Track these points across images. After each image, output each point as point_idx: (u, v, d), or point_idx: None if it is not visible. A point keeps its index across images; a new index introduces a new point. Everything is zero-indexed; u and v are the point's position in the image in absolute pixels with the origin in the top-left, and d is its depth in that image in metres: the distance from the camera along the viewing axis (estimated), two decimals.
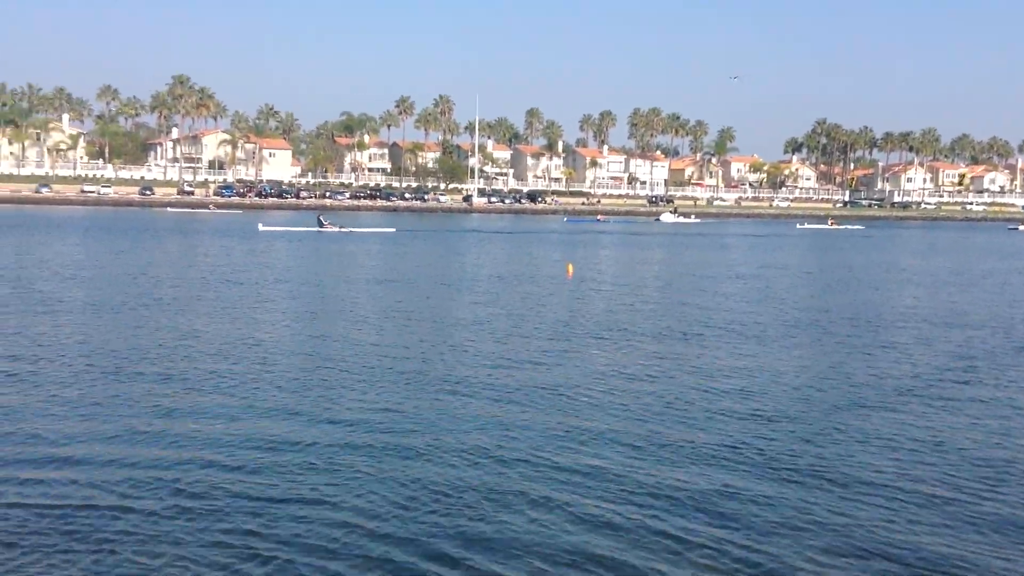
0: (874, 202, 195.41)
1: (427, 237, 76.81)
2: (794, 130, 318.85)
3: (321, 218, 77.90)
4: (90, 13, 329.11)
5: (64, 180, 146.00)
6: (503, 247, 66.03)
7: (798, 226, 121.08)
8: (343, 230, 76.11)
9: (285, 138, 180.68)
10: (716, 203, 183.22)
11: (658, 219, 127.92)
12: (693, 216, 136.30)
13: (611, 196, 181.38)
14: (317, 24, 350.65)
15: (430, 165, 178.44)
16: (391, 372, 18.72)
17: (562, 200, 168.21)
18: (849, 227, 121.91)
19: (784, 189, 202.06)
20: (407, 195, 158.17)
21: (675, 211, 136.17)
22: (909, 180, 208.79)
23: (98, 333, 22.67)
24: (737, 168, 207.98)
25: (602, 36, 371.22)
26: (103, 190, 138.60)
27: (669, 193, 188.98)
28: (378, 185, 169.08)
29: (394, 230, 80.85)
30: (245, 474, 11.93)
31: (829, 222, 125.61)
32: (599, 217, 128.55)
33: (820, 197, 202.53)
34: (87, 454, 12.64)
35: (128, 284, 34.19)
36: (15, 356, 19.41)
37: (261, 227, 76.03)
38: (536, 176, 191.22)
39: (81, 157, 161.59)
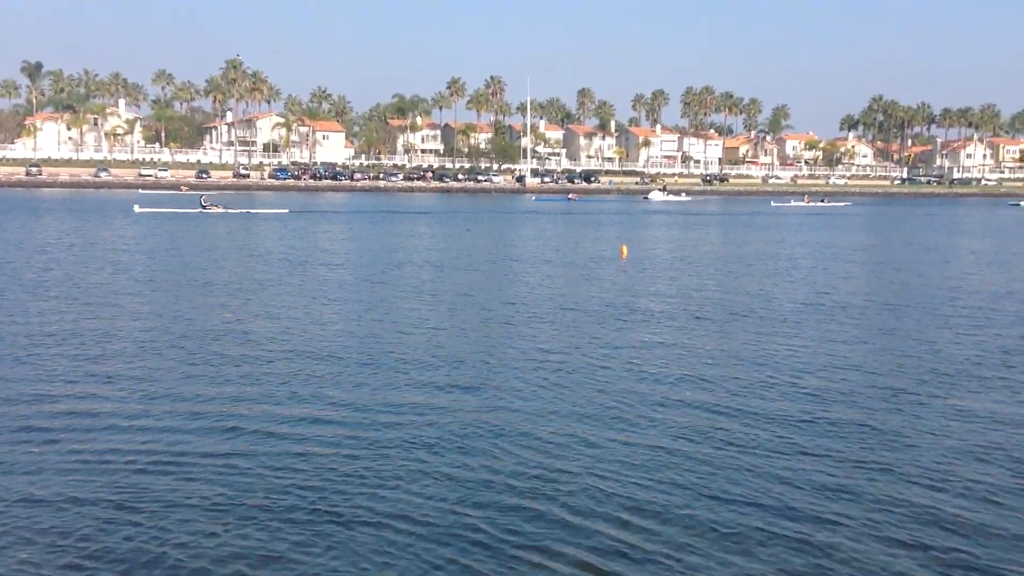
0: (933, 179, 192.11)
1: (484, 219, 76.60)
2: (850, 107, 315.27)
3: (203, 199, 74.08)
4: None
5: (122, 164, 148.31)
6: (556, 227, 65.51)
7: (772, 203, 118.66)
8: (228, 210, 71.83)
9: (338, 121, 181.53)
10: (771, 181, 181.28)
11: (646, 197, 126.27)
12: (683, 194, 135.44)
13: (664, 175, 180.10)
14: (368, 6, 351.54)
15: (482, 146, 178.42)
16: (447, 357, 18.65)
17: (616, 179, 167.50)
18: (831, 204, 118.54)
19: (841, 167, 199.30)
20: (460, 176, 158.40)
21: (664, 189, 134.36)
22: (969, 156, 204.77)
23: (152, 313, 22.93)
24: (792, 146, 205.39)
25: (653, 14, 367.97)
26: (160, 173, 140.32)
27: (724, 171, 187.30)
28: (431, 166, 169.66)
29: (287, 211, 76.05)
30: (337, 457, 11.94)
31: (805, 199, 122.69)
32: (570, 196, 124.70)
33: (877, 174, 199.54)
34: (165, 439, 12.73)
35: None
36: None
37: (137, 208, 70.59)
38: (589, 156, 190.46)
39: (138, 141, 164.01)
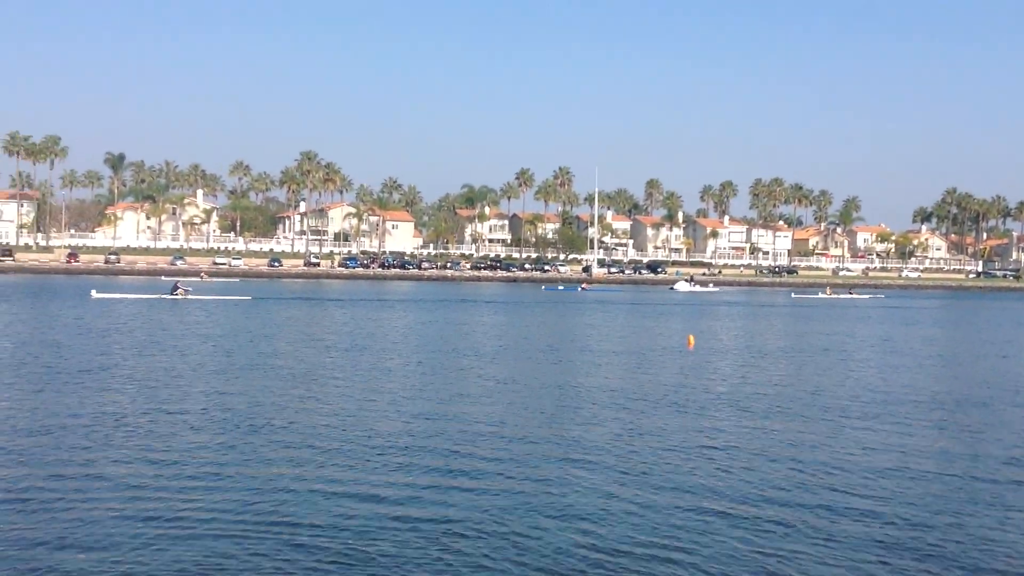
0: (1009, 273, 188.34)
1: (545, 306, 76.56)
2: (923, 199, 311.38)
3: (178, 282, 73.13)
4: (224, 92, 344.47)
5: (197, 252, 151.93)
6: (617, 317, 65.03)
7: (793, 295, 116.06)
8: (189, 296, 71.15)
9: (408, 210, 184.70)
10: (842, 273, 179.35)
11: (672, 288, 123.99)
12: (712, 285, 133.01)
13: (731, 267, 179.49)
14: (439, 98, 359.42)
15: (550, 236, 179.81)
16: (512, 442, 18.52)
17: (683, 270, 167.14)
18: (857, 296, 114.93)
19: (913, 259, 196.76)
20: (527, 266, 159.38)
21: (691, 280, 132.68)
22: None
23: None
24: (863, 238, 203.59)
25: (722, 106, 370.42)
26: (234, 262, 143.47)
27: (793, 263, 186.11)
28: (498, 256, 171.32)
29: (250, 297, 74.74)
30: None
31: (827, 290, 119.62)
32: (583, 286, 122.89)
33: (952, 268, 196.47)
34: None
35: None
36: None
37: (94, 294, 70.19)
38: (656, 247, 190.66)
39: (214, 230, 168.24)
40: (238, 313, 57.56)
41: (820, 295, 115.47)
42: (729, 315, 70.66)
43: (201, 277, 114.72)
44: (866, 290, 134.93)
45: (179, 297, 70.60)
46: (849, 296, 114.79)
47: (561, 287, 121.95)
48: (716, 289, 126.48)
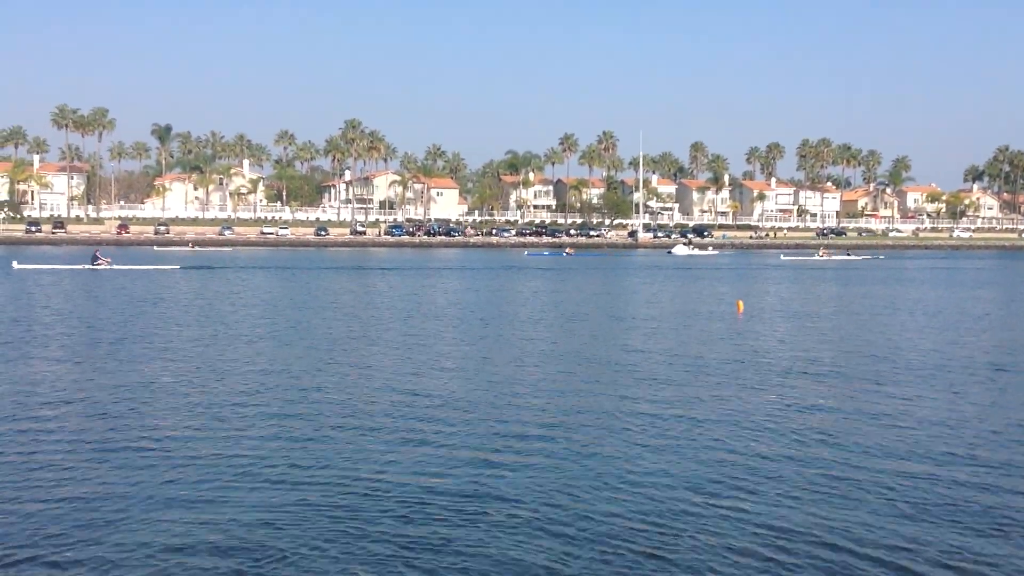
0: None
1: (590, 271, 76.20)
2: (974, 158, 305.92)
3: (97, 253, 71.56)
4: (268, 62, 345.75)
5: (245, 223, 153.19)
6: (660, 282, 64.59)
7: (782, 257, 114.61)
8: (114, 267, 68.86)
9: (452, 177, 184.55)
10: (892, 234, 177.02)
11: (670, 252, 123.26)
12: (711, 248, 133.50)
13: (778, 229, 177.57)
14: (482, 64, 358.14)
15: (594, 201, 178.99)
16: (559, 411, 18.46)
17: (730, 233, 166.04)
18: (852, 257, 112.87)
19: (965, 219, 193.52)
20: (572, 231, 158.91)
21: (689, 243, 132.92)
22: None
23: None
24: (913, 198, 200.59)
25: (767, 66, 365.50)
26: (281, 231, 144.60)
27: (841, 225, 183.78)
28: (543, 222, 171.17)
29: (178, 267, 72.41)
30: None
31: (821, 251, 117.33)
32: (567, 251, 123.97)
33: (1004, 227, 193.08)
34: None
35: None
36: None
37: (16, 265, 67.54)
38: (702, 210, 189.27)
39: (260, 200, 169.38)
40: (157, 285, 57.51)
41: (815, 257, 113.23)
42: (749, 279, 70.20)
43: (190, 246, 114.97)
44: (863, 251, 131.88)
45: (101, 268, 68.55)
46: (846, 258, 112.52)
47: (546, 252, 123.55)
48: (715, 252, 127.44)
